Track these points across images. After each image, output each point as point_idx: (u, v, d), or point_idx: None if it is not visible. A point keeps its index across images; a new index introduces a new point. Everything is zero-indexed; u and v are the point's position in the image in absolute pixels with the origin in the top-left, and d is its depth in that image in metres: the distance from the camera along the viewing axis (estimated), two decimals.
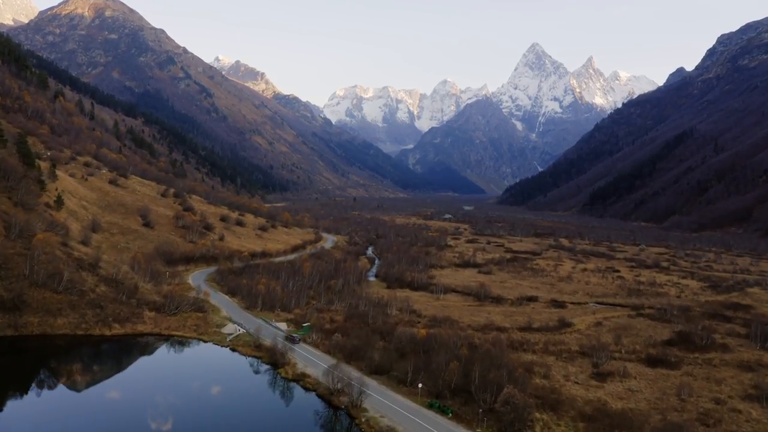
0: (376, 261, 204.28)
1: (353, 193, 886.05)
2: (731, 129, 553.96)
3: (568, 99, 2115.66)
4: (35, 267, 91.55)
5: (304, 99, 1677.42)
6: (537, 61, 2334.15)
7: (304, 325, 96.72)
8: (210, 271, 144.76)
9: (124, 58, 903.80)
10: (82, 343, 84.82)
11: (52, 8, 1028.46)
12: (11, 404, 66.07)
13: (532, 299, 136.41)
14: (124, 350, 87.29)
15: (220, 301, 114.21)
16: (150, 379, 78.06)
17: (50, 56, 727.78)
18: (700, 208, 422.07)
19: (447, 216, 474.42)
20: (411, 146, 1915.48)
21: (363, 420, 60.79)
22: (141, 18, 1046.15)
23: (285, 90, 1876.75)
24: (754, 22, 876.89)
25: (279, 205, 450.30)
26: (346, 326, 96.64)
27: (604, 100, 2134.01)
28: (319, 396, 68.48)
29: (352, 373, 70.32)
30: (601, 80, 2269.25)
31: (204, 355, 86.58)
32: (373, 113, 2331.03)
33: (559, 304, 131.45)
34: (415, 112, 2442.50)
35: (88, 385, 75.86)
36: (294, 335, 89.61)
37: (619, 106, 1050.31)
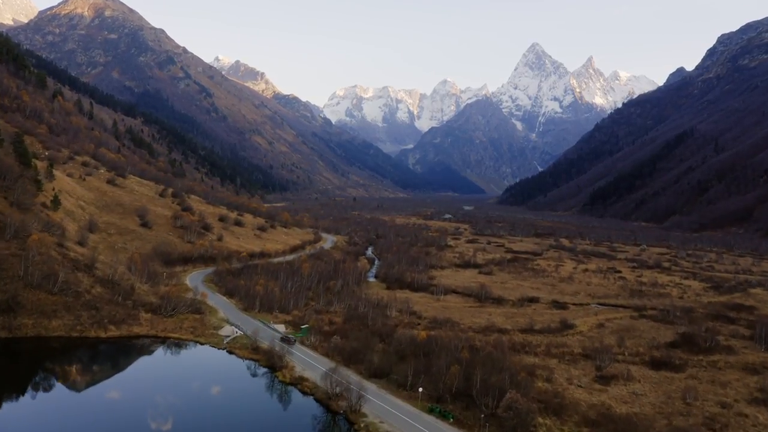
0: (376, 261, 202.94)
1: (353, 193, 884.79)
2: (731, 129, 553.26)
3: (568, 99, 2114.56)
4: (30, 268, 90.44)
5: (304, 99, 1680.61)
6: (537, 61, 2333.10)
7: (303, 326, 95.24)
8: (208, 271, 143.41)
9: (123, 58, 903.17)
10: (77, 346, 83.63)
11: (51, 8, 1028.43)
12: (8, 406, 65.12)
13: (533, 300, 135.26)
14: (119, 353, 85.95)
15: (218, 302, 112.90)
16: (146, 383, 76.57)
17: (50, 56, 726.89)
18: (700, 208, 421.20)
19: (447, 216, 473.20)
20: (411, 146, 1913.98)
21: (362, 425, 59.43)
22: (141, 18, 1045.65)
23: (285, 90, 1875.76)
24: (754, 21, 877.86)
25: (278, 205, 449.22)
26: (345, 328, 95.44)
27: (604, 100, 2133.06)
28: (317, 400, 67.16)
29: (351, 376, 69.10)
30: (601, 80, 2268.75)
31: (200, 357, 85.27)
32: (373, 113, 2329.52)
33: (560, 305, 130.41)
34: (415, 112, 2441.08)
35: (87, 385, 75.01)
36: (290, 336, 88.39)
37: (619, 106, 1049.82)
